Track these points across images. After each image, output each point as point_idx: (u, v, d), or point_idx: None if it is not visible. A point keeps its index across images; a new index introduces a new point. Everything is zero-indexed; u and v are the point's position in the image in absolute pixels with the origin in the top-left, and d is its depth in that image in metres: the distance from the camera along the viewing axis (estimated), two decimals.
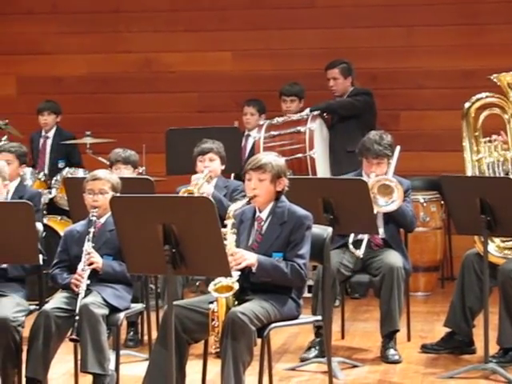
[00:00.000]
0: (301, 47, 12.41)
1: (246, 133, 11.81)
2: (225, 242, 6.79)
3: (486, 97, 9.34)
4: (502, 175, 9.01)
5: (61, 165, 11.69)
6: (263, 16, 12.84)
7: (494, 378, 8.19)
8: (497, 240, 8.78)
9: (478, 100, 9.36)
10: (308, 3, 12.71)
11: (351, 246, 8.79)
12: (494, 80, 9.32)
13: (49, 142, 12.47)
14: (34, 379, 7.51)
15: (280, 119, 11.22)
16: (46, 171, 11.76)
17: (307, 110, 11.25)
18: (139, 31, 13.19)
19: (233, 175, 10.80)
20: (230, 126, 11.50)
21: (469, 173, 9.23)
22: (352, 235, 8.84)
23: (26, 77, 13.23)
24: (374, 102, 11.44)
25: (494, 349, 8.43)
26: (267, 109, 11.74)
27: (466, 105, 9.39)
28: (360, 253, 8.81)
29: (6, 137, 11.44)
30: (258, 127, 11.47)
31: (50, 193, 10.90)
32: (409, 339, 9.33)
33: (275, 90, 11.81)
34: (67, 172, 11.29)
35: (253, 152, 10.72)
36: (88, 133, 11.92)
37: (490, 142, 9.26)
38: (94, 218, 7.93)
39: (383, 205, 8.62)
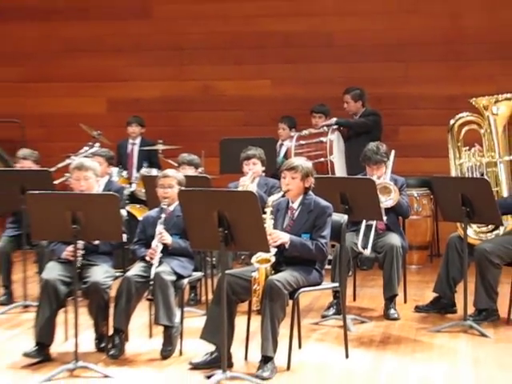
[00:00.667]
0: (323, 76, 12.35)
1: (280, 142, 11.74)
2: (264, 225, 6.84)
3: (467, 116, 9.35)
4: (479, 176, 9.01)
5: (145, 165, 11.70)
6: (294, 52, 12.79)
7: (471, 332, 8.17)
8: (474, 226, 8.78)
9: (460, 118, 9.35)
10: (328, 43, 12.63)
11: (360, 247, 8.80)
12: (473, 103, 9.27)
13: (136, 148, 12.48)
14: (119, 329, 7.54)
15: (307, 132, 11.28)
16: (135, 170, 11.71)
17: (333, 120, 11.31)
18: (199, 64, 13.15)
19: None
20: (267, 137, 11.44)
21: (453, 174, 9.26)
22: (364, 221, 8.76)
23: (113, 98, 13.20)
24: (381, 121, 11.39)
25: (470, 309, 8.38)
26: (297, 123, 11.66)
27: (451, 122, 9.37)
28: (367, 251, 8.83)
29: (98, 144, 11.40)
30: (289, 138, 11.52)
31: (131, 187, 10.86)
32: (405, 301, 9.28)
33: (303, 109, 11.75)
34: (144, 171, 11.28)
35: (286, 157, 10.73)
36: (160, 141, 11.92)
37: (469, 150, 9.24)
38: (165, 206, 7.98)
39: (383, 201, 8.62)
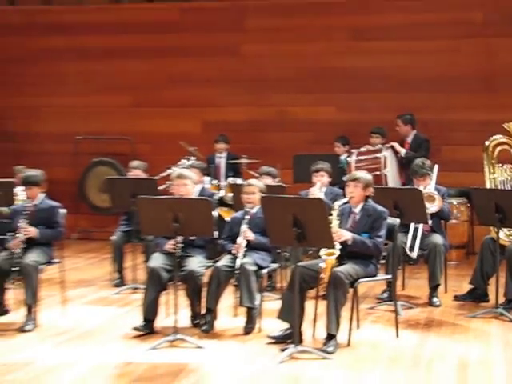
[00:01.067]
0: (379, 104, 12.31)
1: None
2: (331, 225, 6.85)
3: (500, 138, 9.29)
4: (509, 188, 8.90)
5: (230, 175, 11.70)
6: (355, 84, 12.72)
7: (501, 318, 8.09)
8: (505, 230, 8.65)
9: (494, 140, 9.29)
10: (383, 76, 12.57)
11: (408, 252, 8.75)
12: (505, 127, 9.20)
13: (223, 161, 12.47)
14: (210, 309, 7.64)
15: (365, 148, 11.27)
16: (223, 179, 11.75)
17: (402, 152, 11.37)
18: (277, 93, 13.16)
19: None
20: (332, 154, 11.47)
21: (487, 186, 9.16)
22: (412, 224, 8.73)
23: (207, 121, 13.27)
24: (430, 146, 11.31)
25: (501, 299, 8.28)
26: (355, 142, 11.61)
27: (486, 143, 9.31)
28: (414, 254, 8.79)
29: (194, 158, 11.45)
30: (348, 153, 11.58)
31: (220, 193, 10.89)
32: (446, 291, 9.17)
33: (362, 131, 11.70)
34: (231, 180, 11.31)
35: (344, 169, 10.77)
36: (244, 156, 11.96)
37: (501, 167, 9.16)
38: (249, 209, 7.97)
39: (428, 207, 8.54)
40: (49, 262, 8.26)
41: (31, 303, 7.86)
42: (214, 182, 11.46)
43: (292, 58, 13.14)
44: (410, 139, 11.51)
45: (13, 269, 7.87)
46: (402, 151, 11.27)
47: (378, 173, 10.47)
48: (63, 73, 14.00)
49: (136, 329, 7.53)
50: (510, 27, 12.33)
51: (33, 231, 8.02)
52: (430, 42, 12.59)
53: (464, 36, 12.52)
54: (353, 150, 11.36)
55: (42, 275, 8.12)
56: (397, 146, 11.31)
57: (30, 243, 8.03)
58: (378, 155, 11.05)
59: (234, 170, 12.13)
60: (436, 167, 9.19)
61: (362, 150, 11.27)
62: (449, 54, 12.52)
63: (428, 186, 8.88)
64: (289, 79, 13.15)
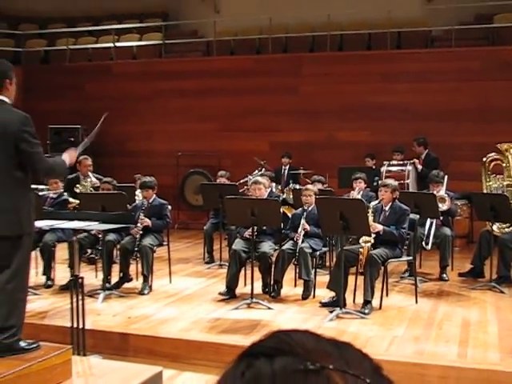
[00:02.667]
0: (401, 130, 12.14)
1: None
2: (368, 219, 6.78)
3: (494, 155, 9.11)
4: (500, 193, 8.75)
5: (291, 182, 11.63)
6: (384, 115, 12.64)
7: (494, 290, 7.96)
8: (497, 224, 8.51)
9: (489, 157, 9.14)
10: (405, 109, 12.48)
11: (425, 236, 8.66)
12: (498, 147, 9.09)
13: (286, 171, 12.42)
14: (277, 280, 7.71)
15: (394, 162, 11.20)
16: (285, 185, 11.68)
17: (419, 168, 11.18)
18: (326, 121, 13.11)
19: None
20: (367, 166, 11.38)
21: (484, 191, 9.03)
22: (428, 219, 8.65)
23: (273, 142, 13.25)
24: (439, 161, 11.18)
25: (494, 276, 8.15)
26: (382, 158, 11.48)
27: (484, 159, 9.17)
28: (429, 246, 8.71)
29: (264, 169, 11.49)
30: (379, 165, 11.40)
31: (284, 195, 10.84)
32: (452, 269, 9.03)
33: (387, 150, 11.59)
34: (292, 186, 11.20)
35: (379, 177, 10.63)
36: (302, 167, 11.97)
37: (495, 177, 9.06)
38: (306, 207, 7.96)
39: (440, 207, 8.42)
40: (159, 245, 8.36)
41: (147, 274, 7.98)
42: (279, 187, 11.46)
43: (337, 95, 13.09)
44: (423, 157, 11.40)
45: (135, 249, 8.01)
46: (419, 167, 11.18)
47: (402, 181, 10.40)
48: (169, 107, 14.13)
49: (221, 294, 7.61)
50: (500, 73, 12.15)
51: (148, 222, 8.13)
52: (439, 84, 12.45)
53: (465, 79, 12.37)
54: (385, 162, 11.27)
55: (155, 254, 8.24)
56: (417, 163, 11.22)
57: (146, 230, 8.15)
58: (403, 168, 10.99)
59: (294, 178, 12.09)
60: (446, 177, 9.11)
61: (392, 163, 11.20)
62: (453, 93, 12.38)
63: (440, 191, 8.81)
64: (334, 111, 13.11)
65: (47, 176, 5.14)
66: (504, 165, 9.09)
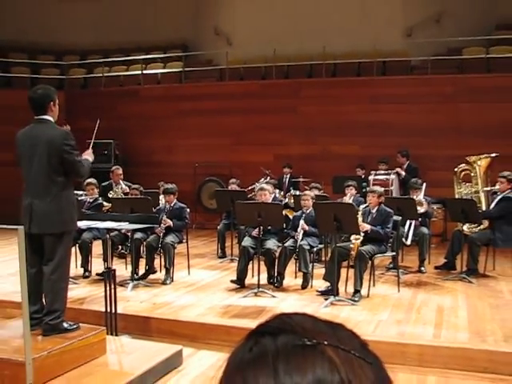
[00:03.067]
0: (386, 144, 12.11)
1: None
2: (357, 220, 6.76)
3: (464, 166, 9.14)
4: (470, 198, 8.72)
5: (291, 188, 11.59)
6: (371, 131, 12.69)
7: (464, 280, 7.93)
8: (467, 224, 8.48)
9: (460, 167, 9.17)
10: (390, 127, 12.50)
11: (405, 235, 8.60)
12: (468, 159, 9.09)
13: (287, 180, 12.41)
14: (280, 272, 7.73)
15: (380, 172, 11.18)
16: (287, 191, 11.60)
17: (402, 174, 11.15)
18: (320, 136, 13.14)
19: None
20: (357, 175, 11.31)
21: (456, 197, 9.02)
22: (408, 221, 8.63)
23: (276, 154, 13.27)
24: (418, 170, 11.17)
25: (464, 268, 8.12)
26: (370, 168, 11.44)
27: (455, 169, 9.18)
28: (408, 242, 8.67)
29: (269, 177, 11.49)
30: (364, 175, 11.33)
31: (285, 200, 10.80)
32: (429, 263, 9.03)
33: (374, 161, 11.57)
34: (292, 192, 11.13)
35: (368, 185, 10.56)
36: (301, 176, 11.96)
37: (465, 184, 9.06)
38: (305, 210, 7.96)
39: (419, 209, 8.40)
40: (179, 242, 8.37)
41: (169, 267, 7.99)
42: (281, 193, 11.46)
43: (331, 114, 13.09)
44: (405, 166, 11.37)
45: (158, 245, 8.03)
46: (402, 174, 11.14)
47: (386, 188, 10.37)
48: (188, 124, 14.15)
49: (232, 281, 7.59)
50: (469, 97, 12.15)
51: (170, 222, 8.15)
52: (418, 105, 12.45)
53: (440, 102, 12.36)
54: (372, 172, 11.24)
55: (176, 250, 8.25)
56: (400, 170, 11.19)
57: (168, 230, 8.17)
58: (387, 177, 10.95)
59: (294, 185, 12.08)
60: (424, 184, 9.09)
61: (378, 173, 11.16)
62: (430, 113, 12.37)
63: (419, 196, 8.78)
64: (329, 128, 13.11)
65: (85, 177, 5.25)
66: (472, 174, 9.09)
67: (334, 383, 0.64)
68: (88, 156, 5.21)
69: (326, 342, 0.68)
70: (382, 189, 7.86)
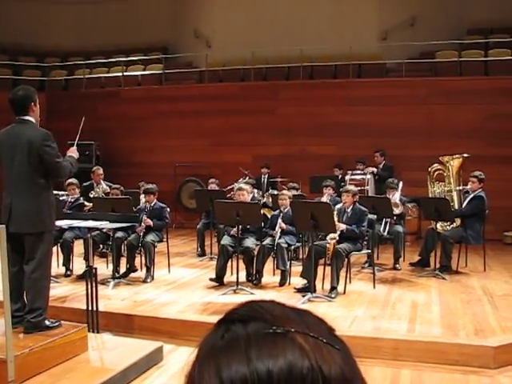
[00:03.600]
0: (363, 144, 12.16)
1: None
2: (334, 219, 6.79)
3: (437, 166, 9.23)
4: (443, 197, 8.80)
5: (270, 188, 11.59)
6: (347, 132, 12.77)
7: (437, 277, 8.02)
8: (440, 222, 8.57)
9: (433, 167, 9.26)
10: (366, 128, 12.58)
11: (381, 230, 8.64)
12: (441, 159, 9.17)
13: (265, 180, 12.38)
14: (258, 270, 7.76)
15: (357, 171, 11.22)
16: (265, 191, 11.56)
17: (375, 170, 11.20)
18: (299, 136, 13.19)
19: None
20: (334, 175, 11.26)
21: (430, 195, 9.09)
22: (384, 219, 8.68)
23: (255, 154, 13.22)
24: (394, 170, 11.24)
25: (437, 265, 8.22)
26: (346, 168, 11.45)
27: (429, 169, 9.28)
28: (385, 233, 8.72)
29: (248, 177, 11.47)
30: (344, 174, 11.29)
31: (264, 199, 10.79)
32: (404, 260, 9.08)
33: (352, 161, 11.61)
34: (271, 192, 11.12)
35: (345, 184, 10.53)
36: (279, 176, 11.99)
37: (438, 183, 9.13)
38: (282, 209, 7.97)
39: (394, 210, 8.47)
40: (160, 241, 8.35)
41: (150, 265, 7.97)
42: (260, 192, 11.46)
43: (308, 116, 13.13)
44: (381, 166, 11.42)
45: (139, 244, 8.00)
46: (375, 170, 11.19)
47: (362, 188, 10.42)
48: (168, 126, 14.12)
49: (211, 279, 7.59)
50: (441, 99, 12.28)
51: (150, 222, 8.13)
52: (393, 107, 12.55)
53: (414, 104, 12.47)
54: (348, 172, 11.28)
55: (156, 249, 8.23)
56: (374, 170, 11.22)
57: (149, 229, 8.14)
58: (363, 177, 10.98)
59: (272, 185, 12.09)
60: (400, 184, 9.14)
61: (354, 173, 11.19)
62: (404, 114, 12.47)
63: (395, 196, 8.82)
64: (306, 129, 13.15)
65: (69, 176, 5.22)
66: (445, 174, 9.17)
67: (304, 368, 0.66)
68: (72, 154, 5.19)
69: (294, 330, 0.69)
70: (357, 188, 7.90)
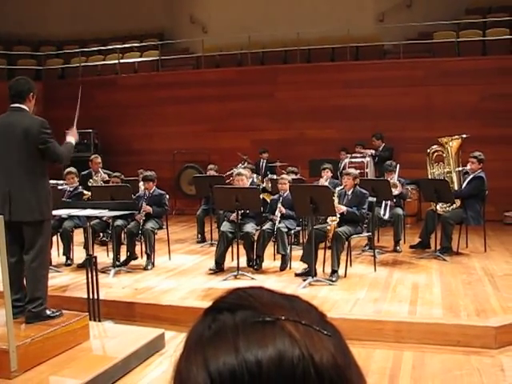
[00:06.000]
0: (362, 127, 12.13)
1: (341, 160, 11.51)
2: (333, 202, 6.78)
3: (436, 147, 9.14)
4: (442, 178, 8.77)
5: (269, 173, 11.58)
6: (347, 115, 12.73)
7: (438, 258, 8.03)
8: (440, 204, 8.54)
9: (432, 149, 9.16)
10: (364, 110, 12.54)
11: (382, 212, 8.64)
12: (440, 140, 9.12)
13: (264, 164, 12.34)
14: (259, 255, 7.73)
15: (356, 155, 11.20)
16: (264, 176, 11.51)
17: (373, 152, 11.26)
18: (298, 121, 13.16)
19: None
20: (333, 159, 11.12)
21: (429, 177, 9.04)
22: (384, 201, 8.67)
23: (254, 140, 13.19)
24: (393, 151, 11.22)
25: (438, 247, 8.21)
26: (349, 150, 11.48)
27: (428, 150, 9.19)
28: (386, 217, 8.70)
29: (246, 163, 11.45)
30: (345, 157, 11.24)
31: (263, 184, 10.79)
32: (404, 242, 9.09)
33: (352, 144, 11.58)
34: (270, 176, 11.11)
35: (344, 167, 10.48)
36: (278, 160, 11.96)
37: (438, 165, 9.09)
38: (282, 194, 7.96)
39: (394, 191, 8.43)
40: (159, 228, 8.34)
41: (150, 253, 7.97)
42: (259, 177, 11.44)
43: (306, 100, 13.09)
44: (380, 149, 11.41)
45: (139, 232, 7.99)
46: (373, 152, 11.19)
47: (362, 170, 10.39)
48: (166, 112, 14.09)
49: (210, 270, 7.57)
50: (439, 80, 12.23)
51: (149, 209, 8.12)
52: (391, 89, 12.50)
53: (412, 85, 12.42)
54: (347, 155, 11.28)
55: (156, 236, 8.23)
56: (372, 152, 11.21)
57: (148, 216, 8.13)
58: (362, 159, 10.98)
59: (271, 169, 12.08)
60: (398, 166, 9.11)
61: (354, 155, 11.18)
62: (402, 96, 12.43)
63: (393, 178, 8.81)
64: (305, 113, 13.11)
65: (67, 161, 5.20)
66: (444, 155, 9.11)
67: (294, 357, 0.64)
68: (72, 136, 5.17)
69: (284, 317, 0.67)
70: (357, 171, 7.89)
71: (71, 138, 5.16)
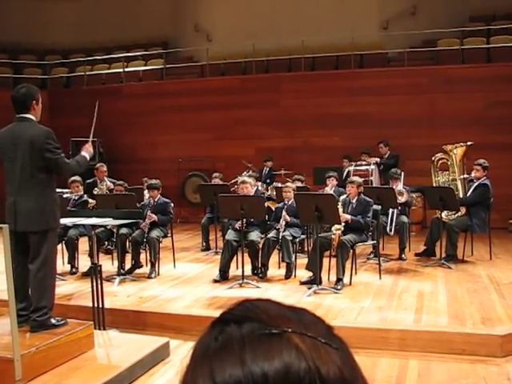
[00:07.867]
0: (366, 135, 12.16)
1: (344, 168, 11.48)
2: (338, 211, 6.76)
3: (441, 155, 9.11)
4: (447, 186, 8.75)
5: (268, 181, 11.60)
6: (351, 123, 12.73)
7: (443, 266, 8.01)
8: (445, 211, 8.53)
9: (437, 156, 9.14)
10: (368, 118, 12.53)
11: (388, 228, 8.65)
12: (444, 148, 9.10)
13: (266, 172, 12.39)
14: (263, 263, 7.73)
15: (360, 163, 11.16)
16: (268, 185, 11.49)
17: (378, 160, 11.19)
18: (302, 129, 13.18)
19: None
20: (338, 166, 11.13)
21: (434, 185, 9.02)
22: (390, 211, 8.66)
23: (258, 147, 13.22)
24: (399, 160, 11.21)
25: (443, 255, 8.18)
26: (352, 159, 11.47)
27: (433, 158, 9.17)
28: (392, 233, 8.71)
29: (251, 171, 11.46)
30: (349, 165, 11.19)
31: (268, 192, 10.78)
32: (409, 250, 9.08)
33: (356, 152, 11.57)
34: (274, 184, 11.06)
35: (348, 176, 10.45)
36: (283, 168, 11.97)
37: (442, 173, 9.07)
38: (286, 202, 7.95)
39: (399, 199, 8.43)
40: (164, 236, 8.34)
41: (155, 261, 7.97)
42: (264, 185, 11.43)
43: (311, 107, 13.10)
44: (386, 156, 11.40)
45: (144, 240, 7.99)
46: (378, 160, 11.19)
47: (367, 178, 10.39)
48: (171, 120, 14.13)
49: (215, 280, 7.53)
50: (443, 87, 12.24)
51: (154, 217, 8.12)
52: (395, 96, 12.51)
53: (416, 93, 12.43)
54: (352, 163, 11.26)
55: (161, 244, 8.23)
56: (377, 160, 11.22)
57: (153, 225, 8.13)
58: (367, 167, 10.97)
59: (271, 177, 12.04)
60: (402, 174, 9.09)
61: (358, 163, 11.16)
62: (407, 104, 12.45)
63: (398, 186, 8.80)
64: (309, 121, 13.13)
65: (75, 173, 5.22)
66: (449, 162, 9.10)
67: (301, 370, 0.64)
68: (86, 151, 5.18)
69: (291, 330, 0.67)
70: (362, 179, 7.90)
71: (85, 152, 5.17)
